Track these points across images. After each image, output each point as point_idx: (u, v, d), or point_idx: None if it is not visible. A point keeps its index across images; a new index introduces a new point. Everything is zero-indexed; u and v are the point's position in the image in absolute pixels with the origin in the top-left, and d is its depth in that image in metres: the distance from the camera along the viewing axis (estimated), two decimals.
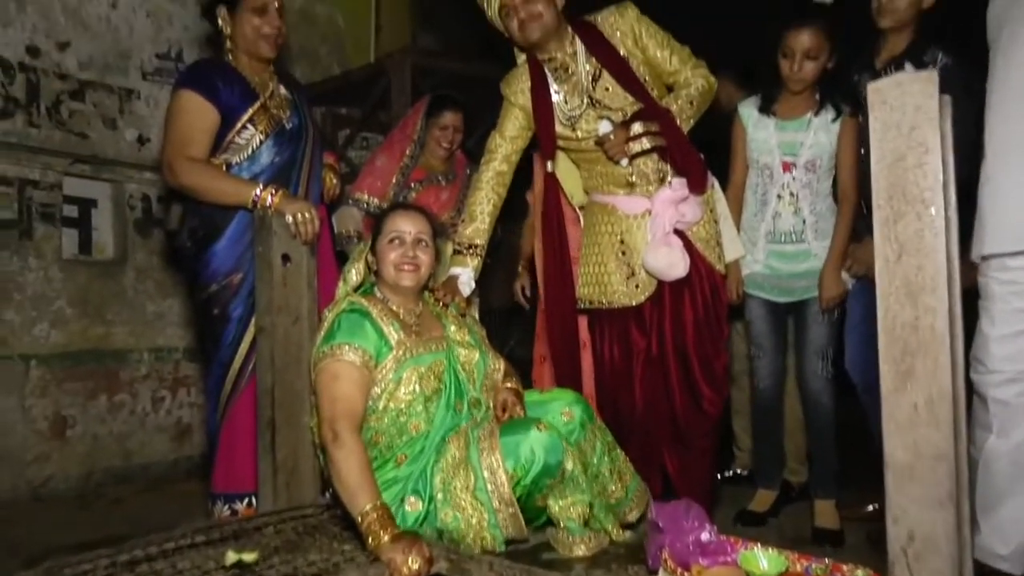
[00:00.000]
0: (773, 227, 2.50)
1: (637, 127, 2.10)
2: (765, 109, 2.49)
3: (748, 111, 2.53)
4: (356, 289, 2.00)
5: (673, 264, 2.16)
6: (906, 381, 1.04)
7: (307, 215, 2.08)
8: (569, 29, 2.23)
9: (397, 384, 1.78)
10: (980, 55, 1.95)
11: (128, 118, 3.52)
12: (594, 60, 2.21)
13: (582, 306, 2.37)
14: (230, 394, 2.25)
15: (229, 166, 2.24)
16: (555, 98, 2.27)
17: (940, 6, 2.32)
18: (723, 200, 2.41)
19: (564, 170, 2.42)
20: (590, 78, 2.22)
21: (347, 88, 4.03)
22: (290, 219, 2.07)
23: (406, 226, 1.92)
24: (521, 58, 2.37)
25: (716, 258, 2.28)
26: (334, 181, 2.47)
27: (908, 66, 2.28)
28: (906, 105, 1.02)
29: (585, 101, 2.23)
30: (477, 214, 2.34)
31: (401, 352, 1.80)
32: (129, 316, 3.54)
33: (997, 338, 1.85)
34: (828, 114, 2.42)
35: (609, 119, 2.17)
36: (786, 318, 2.63)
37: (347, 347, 1.77)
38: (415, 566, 1.44)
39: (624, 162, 2.16)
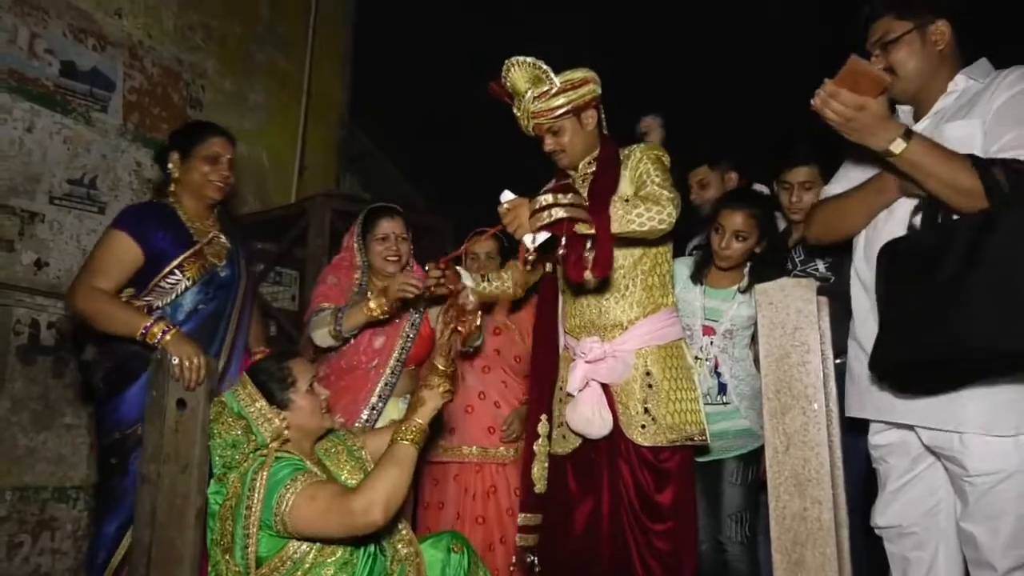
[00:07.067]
0: None
1: (546, 198, 1.81)
2: (695, 278, 2.56)
3: (680, 270, 2.57)
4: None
5: (589, 421, 2.06)
6: (796, 572, 1.07)
7: (195, 361, 2.01)
8: (598, 146, 2.17)
9: (322, 546, 1.76)
10: None
11: (28, 241, 3.39)
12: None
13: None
14: (121, 562, 2.06)
15: (151, 309, 2.17)
16: None
17: None
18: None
19: None
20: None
21: (265, 224, 4.04)
22: (175, 360, 1.99)
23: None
24: None
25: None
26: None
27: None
28: (789, 307, 1.11)
29: None
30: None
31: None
32: None
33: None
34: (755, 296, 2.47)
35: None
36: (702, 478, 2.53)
37: (297, 477, 1.72)
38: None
39: (528, 239, 1.84)
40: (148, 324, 2.06)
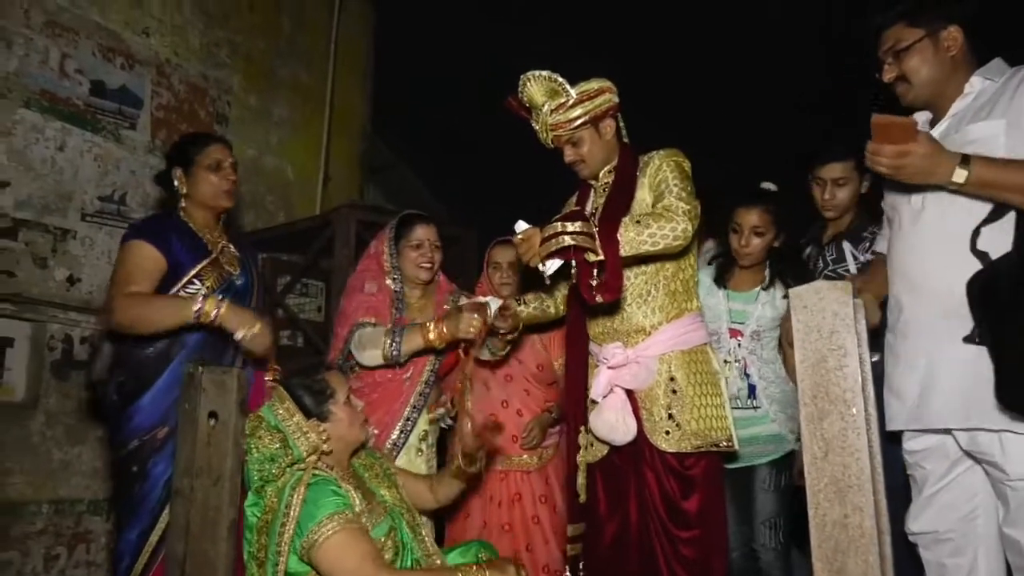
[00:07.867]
0: None
1: (554, 226, 1.85)
2: (718, 281, 2.58)
3: (701, 277, 2.55)
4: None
5: (613, 428, 2.05)
6: None
7: (257, 327, 2.01)
8: (617, 155, 2.20)
9: None
10: None
11: (60, 258, 3.45)
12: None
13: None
14: (144, 568, 2.07)
15: None
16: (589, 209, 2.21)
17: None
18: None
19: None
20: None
21: (291, 236, 4.08)
22: (240, 335, 1.98)
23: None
24: None
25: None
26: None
27: (846, 243, 2.49)
28: (825, 310, 1.10)
29: None
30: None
31: (363, 522, 1.77)
32: (32, 464, 3.29)
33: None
34: (777, 291, 2.51)
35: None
36: (733, 485, 2.51)
37: (336, 516, 1.71)
38: None
39: (541, 267, 1.89)
40: (198, 306, 2.04)
